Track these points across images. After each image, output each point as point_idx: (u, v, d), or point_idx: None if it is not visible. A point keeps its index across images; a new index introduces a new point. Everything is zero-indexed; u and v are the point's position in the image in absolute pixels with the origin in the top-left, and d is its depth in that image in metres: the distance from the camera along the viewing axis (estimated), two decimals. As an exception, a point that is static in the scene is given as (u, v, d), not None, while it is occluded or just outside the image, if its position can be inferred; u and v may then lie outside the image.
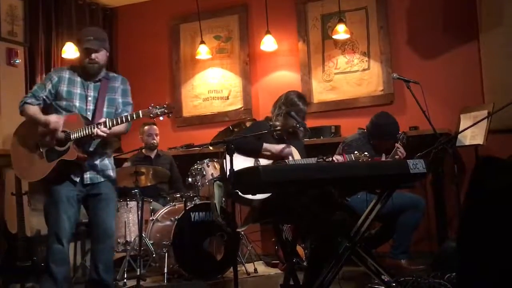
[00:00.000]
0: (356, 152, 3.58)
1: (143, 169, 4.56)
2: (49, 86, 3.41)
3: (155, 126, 5.35)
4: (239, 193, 2.80)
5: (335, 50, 5.76)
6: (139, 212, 4.35)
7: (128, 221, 4.55)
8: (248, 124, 4.89)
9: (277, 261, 4.71)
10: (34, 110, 3.38)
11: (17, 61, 5.40)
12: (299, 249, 4.42)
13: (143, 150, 5.30)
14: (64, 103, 3.39)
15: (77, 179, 3.40)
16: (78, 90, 3.44)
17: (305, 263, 4.23)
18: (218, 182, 3.80)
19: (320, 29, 5.83)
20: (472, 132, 4.56)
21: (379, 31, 5.57)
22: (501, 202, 1.64)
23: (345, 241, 2.84)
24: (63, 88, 3.41)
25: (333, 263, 2.83)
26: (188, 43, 6.38)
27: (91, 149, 3.43)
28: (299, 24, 5.89)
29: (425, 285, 3.28)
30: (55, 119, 3.31)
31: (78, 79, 3.46)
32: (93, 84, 3.48)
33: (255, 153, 3.61)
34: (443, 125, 4.77)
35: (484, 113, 4.48)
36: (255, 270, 4.58)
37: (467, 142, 4.64)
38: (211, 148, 5.16)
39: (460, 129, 4.65)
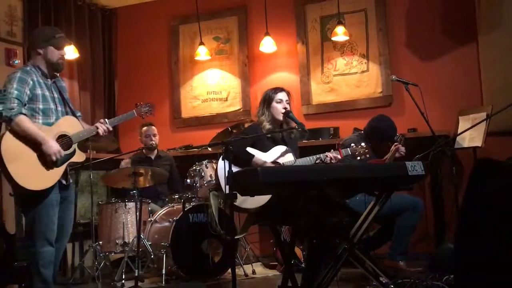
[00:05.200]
0: (352, 144, 3.57)
1: (142, 170, 4.55)
2: (27, 91, 3.24)
3: (153, 127, 5.31)
4: (237, 194, 2.80)
5: (334, 52, 5.76)
6: (137, 213, 4.34)
7: (126, 222, 4.54)
8: (246, 125, 4.89)
9: (275, 263, 4.71)
10: (30, 124, 3.17)
11: (16, 61, 5.39)
12: (297, 251, 4.42)
13: (143, 151, 5.28)
14: (41, 106, 3.29)
15: (66, 183, 3.39)
16: (47, 93, 3.35)
17: (303, 265, 4.23)
18: (214, 192, 3.79)
19: (319, 31, 5.83)
20: (470, 134, 4.56)
21: (378, 33, 5.58)
22: (499, 204, 1.64)
23: (343, 243, 2.84)
24: (38, 92, 3.30)
25: (331, 265, 2.83)
26: (187, 44, 6.38)
27: None
28: (298, 26, 5.90)
29: (423, 287, 3.28)
30: (56, 148, 3.21)
31: (42, 80, 3.35)
32: (51, 84, 3.40)
33: (247, 164, 3.63)
34: (441, 127, 4.78)
35: (483, 115, 4.47)
36: (253, 271, 4.57)
37: (466, 144, 4.64)
38: (209, 149, 5.16)
39: (459, 131, 4.65)
